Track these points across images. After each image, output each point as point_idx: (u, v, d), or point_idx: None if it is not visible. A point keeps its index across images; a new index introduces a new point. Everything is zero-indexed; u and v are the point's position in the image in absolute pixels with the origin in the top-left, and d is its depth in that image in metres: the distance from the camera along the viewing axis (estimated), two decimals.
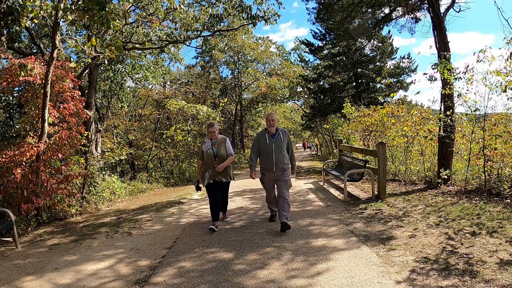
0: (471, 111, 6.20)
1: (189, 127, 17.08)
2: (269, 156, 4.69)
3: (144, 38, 10.18)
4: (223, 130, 24.61)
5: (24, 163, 5.69)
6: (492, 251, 3.33)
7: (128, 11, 9.40)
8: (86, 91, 9.84)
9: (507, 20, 5.61)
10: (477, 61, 5.85)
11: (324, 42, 20.29)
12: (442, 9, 6.84)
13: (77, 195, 6.94)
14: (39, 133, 6.12)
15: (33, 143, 6.01)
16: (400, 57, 23.44)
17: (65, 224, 6.19)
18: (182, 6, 9.41)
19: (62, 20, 6.35)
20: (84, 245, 4.72)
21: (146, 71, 12.80)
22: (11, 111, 10.43)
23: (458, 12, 7.00)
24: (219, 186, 5.07)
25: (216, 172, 4.98)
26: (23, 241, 5.15)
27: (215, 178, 5.01)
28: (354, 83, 19.90)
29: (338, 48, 19.48)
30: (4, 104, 9.72)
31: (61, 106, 6.63)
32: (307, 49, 22.43)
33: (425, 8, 8.03)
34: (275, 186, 4.87)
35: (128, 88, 16.06)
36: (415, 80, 17.74)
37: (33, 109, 6.87)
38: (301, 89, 23.99)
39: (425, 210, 5.05)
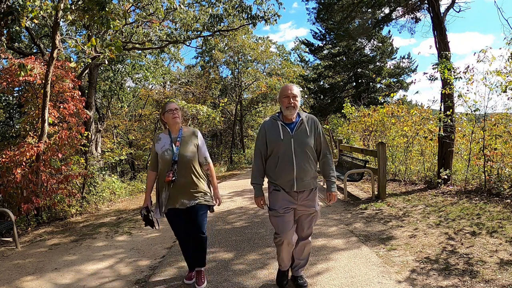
0: (471, 111, 6.20)
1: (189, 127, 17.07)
2: (285, 162, 2.66)
3: (144, 38, 10.19)
4: (223, 130, 24.57)
5: (24, 163, 5.69)
6: (492, 251, 3.33)
7: (128, 11, 9.40)
8: (86, 91, 9.84)
9: (507, 20, 5.63)
10: (477, 61, 5.86)
11: (324, 42, 20.33)
12: (442, 9, 6.85)
13: (77, 195, 6.94)
14: (39, 133, 6.12)
15: (33, 143, 6.01)
16: (400, 57, 23.49)
17: (65, 224, 6.19)
18: (182, 6, 9.42)
19: (62, 20, 6.35)
20: (84, 245, 4.72)
21: (146, 71, 12.81)
22: (11, 111, 10.45)
23: (458, 12, 7.01)
24: (187, 215, 2.99)
25: (178, 192, 2.92)
26: (23, 241, 5.15)
27: (176, 203, 2.95)
28: (354, 83, 19.93)
29: (338, 48, 19.52)
30: (4, 104, 9.74)
31: (61, 106, 6.63)
32: (307, 49, 22.47)
33: (425, 8, 8.04)
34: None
35: (128, 88, 16.08)
36: (415, 80, 17.59)
37: (33, 109, 6.87)
38: (301, 89, 24.00)
39: (425, 210, 5.05)
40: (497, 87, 5.72)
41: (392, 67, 20.44)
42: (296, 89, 2.74)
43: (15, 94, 9.36)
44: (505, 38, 5.54)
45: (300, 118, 2.76)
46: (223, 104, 19.96)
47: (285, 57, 27.37)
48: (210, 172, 3.12)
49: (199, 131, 3.16)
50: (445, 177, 6.36)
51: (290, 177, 2.67)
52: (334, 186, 2.81)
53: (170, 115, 3.00)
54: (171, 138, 3.00)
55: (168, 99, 17.43)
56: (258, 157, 2.81)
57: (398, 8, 8.94)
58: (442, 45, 6.60)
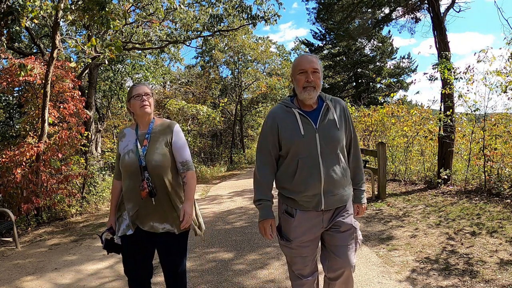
0: (471, 111, 6.21)
1: (189, 127, 17.08)
2: (308, 168, 1.83)
3: (144, 38, 10.20)
4: (223, 130, 24.58)
5: (24, 163, 5.69)
6: (492, 251, 3.33)
7: (128, 11, 9.40)
8: (86, 91, 9.83)
9: (507, 20, 5.64)
10: (478, 61, 5.87)
11: (324, 42, 20.36)
12: (442, 9, 6.87)
13: (77, 195, 6.93)
14: (39, 133, 6.11)
15: (33, 143, 6.01)
16: (400, 57, 23.50)
17: (65, 224, 6.19)
18: (182, 6, 9.43)
19: (62, 20, 6.35)
20: (84, 245, 4.72)
21: (146, 71, 12.81)
22: (11, 111, 10.44)
23: (458, 12, 7.03)
24: (158, 244, 2.11)
25: (148, 211, 2.05)
26: (23, 241, 5.15)
27: (144, 224, 2.06)
28: (354, 83, 19.95)
29: (338, 48, 19.54)
30: (4, 104, 9.73)
31: (61, 106, 6.63)
32: (307, 49, 22.46)
33: (425, 8, 8.05)
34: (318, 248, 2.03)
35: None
36: (415, 80, 17.67)
37: (33, 109, 6.87)
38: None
39: (425, 210, 5.05)
40: (497, 87, 5.73)
41: (392, 67, 20.48)
42: (317, 61, 1.89)
43: (15, 94, 9.35)
44: (505, 38, 5.56)
45: (324, 103, 1.91)
46: (223, 104, 19.97)
47: (285, 57, 27.35)
48: (186, 181, 2.10)
49: (177, 123, 2.21)
50: (445, 177, 6.36)
51: (315, 191, 1.83)
52: (364, 197, 2.10)
53: (137, 102, 2.08)
54: (137, 135, 2.12)
55: (168, 99, 17.42)
56: (265, 161, 1.91)
57: (398, 8, 8.96)
58: (442, 45, 6.60)
